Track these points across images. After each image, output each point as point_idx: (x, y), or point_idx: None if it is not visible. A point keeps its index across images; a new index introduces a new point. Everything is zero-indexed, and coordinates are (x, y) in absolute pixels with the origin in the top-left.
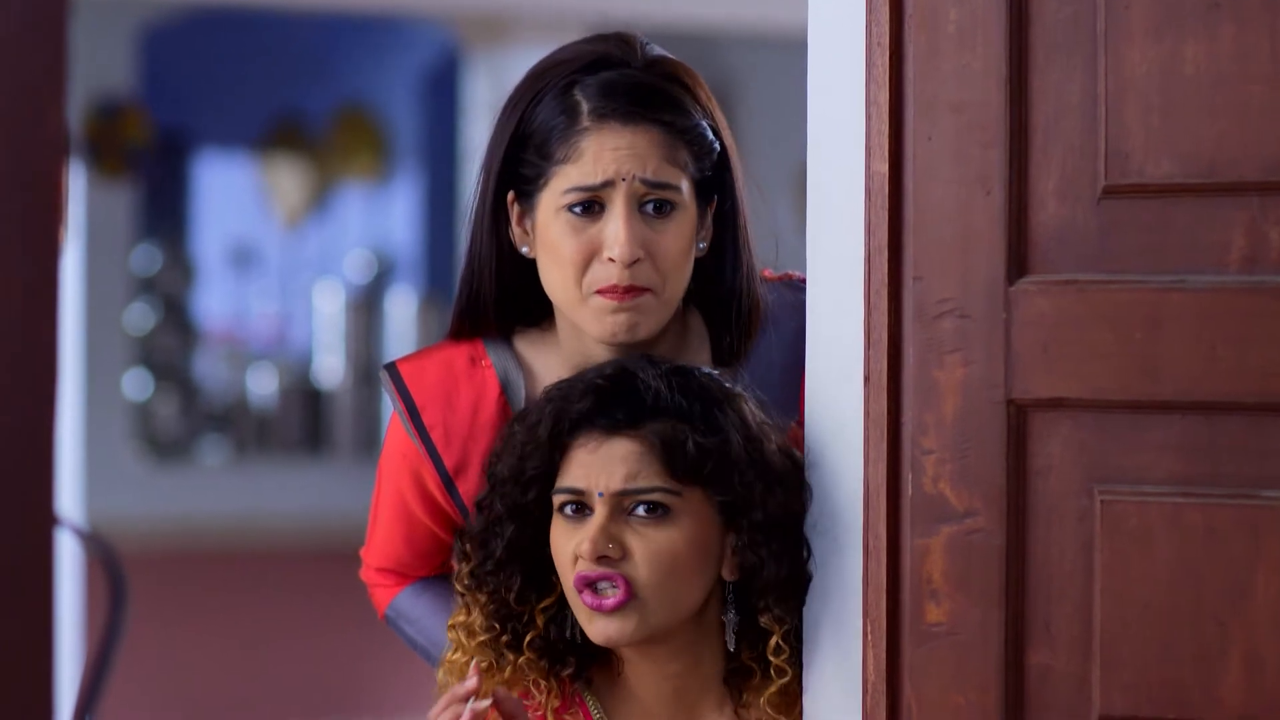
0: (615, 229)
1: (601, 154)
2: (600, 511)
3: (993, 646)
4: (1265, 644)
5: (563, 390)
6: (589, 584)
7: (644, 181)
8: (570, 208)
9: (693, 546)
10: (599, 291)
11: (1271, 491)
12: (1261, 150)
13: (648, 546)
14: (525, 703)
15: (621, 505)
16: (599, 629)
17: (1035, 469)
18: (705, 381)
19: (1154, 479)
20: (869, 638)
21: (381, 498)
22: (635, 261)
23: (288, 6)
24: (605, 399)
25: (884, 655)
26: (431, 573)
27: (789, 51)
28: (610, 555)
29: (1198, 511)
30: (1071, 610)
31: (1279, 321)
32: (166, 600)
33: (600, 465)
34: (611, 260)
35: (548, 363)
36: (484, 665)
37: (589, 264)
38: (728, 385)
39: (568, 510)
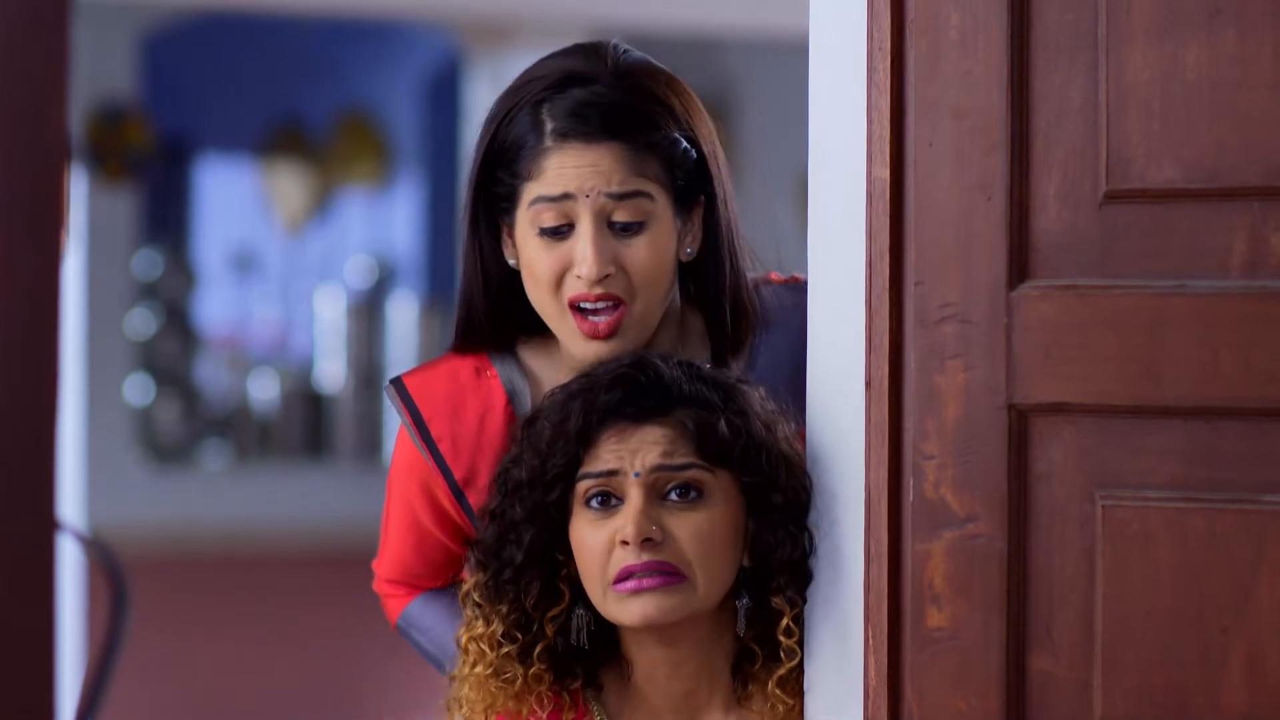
0: (583, 246)
1: (563, 171)
2: (635, 494)
3: (994, 651)
4: (1267, 649)
5: (583, 385)
6: (631, 575)
7: (609, 195)
8: (541, 231)
9: (727, 528)
10: (573, 310)
11: (1273, 496)
12: (1262, 155)
13: (687, 526)
14: (535, 711)
15: (656, 487)
16: (638, 609)
17: (1037, 474)
18: (713, 372)
19: (1156, 484)
20: (870, 643)
21: (391, 510)
22: (605, 277)
23: (289, 11)
24: (633, 388)
25: (885, 660)
26: (442, 583)
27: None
28: (654, 538)
29: (1200, 516)
30: (1073, 615)
31: None
32: (168, 605)
33: (633, 448)
34: (580, 278)
35: (552, 370)
36: (503, 680)
37: (563, 279)
38: (732, 377)
39: (594, 503)
